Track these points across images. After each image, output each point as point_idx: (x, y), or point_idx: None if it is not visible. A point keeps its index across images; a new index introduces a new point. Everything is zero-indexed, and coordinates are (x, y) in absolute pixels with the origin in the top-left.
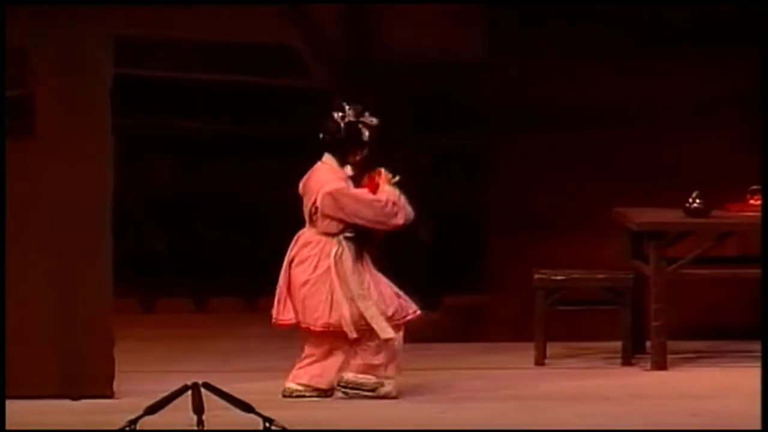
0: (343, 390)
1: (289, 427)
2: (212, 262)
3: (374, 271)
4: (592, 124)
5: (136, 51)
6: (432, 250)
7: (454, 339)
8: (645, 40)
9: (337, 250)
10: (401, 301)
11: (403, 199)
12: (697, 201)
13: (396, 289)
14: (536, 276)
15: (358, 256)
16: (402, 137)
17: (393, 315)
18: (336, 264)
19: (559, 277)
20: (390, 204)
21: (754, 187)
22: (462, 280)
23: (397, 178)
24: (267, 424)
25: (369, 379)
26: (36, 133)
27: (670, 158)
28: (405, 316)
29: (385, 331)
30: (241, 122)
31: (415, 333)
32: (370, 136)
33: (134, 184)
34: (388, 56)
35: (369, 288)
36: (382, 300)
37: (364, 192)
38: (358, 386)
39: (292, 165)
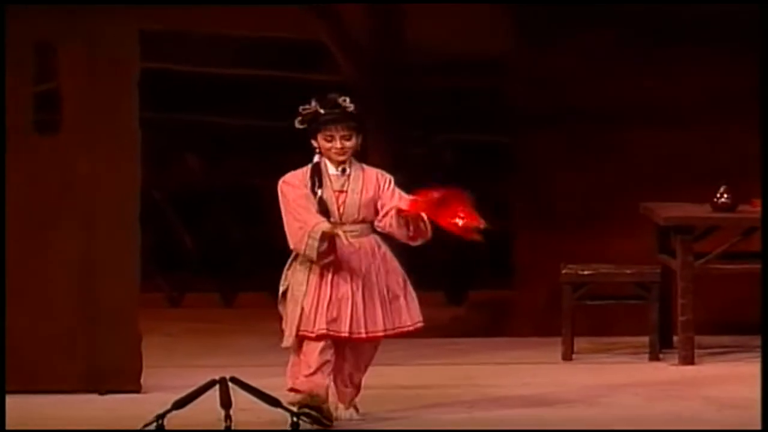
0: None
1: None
2: (240, 258)
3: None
4: (618, 120)
5: (163, 45)
6: (458, 245)
7: (481, 334)
8: (669, 37)
9: None
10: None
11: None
12: (725, 196)
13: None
14: (563, 271)
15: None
16: (426, 133)
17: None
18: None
19: (586, 272)
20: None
21: None
22: (488, 276)
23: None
24: (295, 419)
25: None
26: (63, 128)
27: (697, 154)
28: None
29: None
30: (269, 117)
31: (441, 328)
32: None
33: (162, 178)
34: (415, 52)
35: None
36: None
37: (294, 208)
38: None
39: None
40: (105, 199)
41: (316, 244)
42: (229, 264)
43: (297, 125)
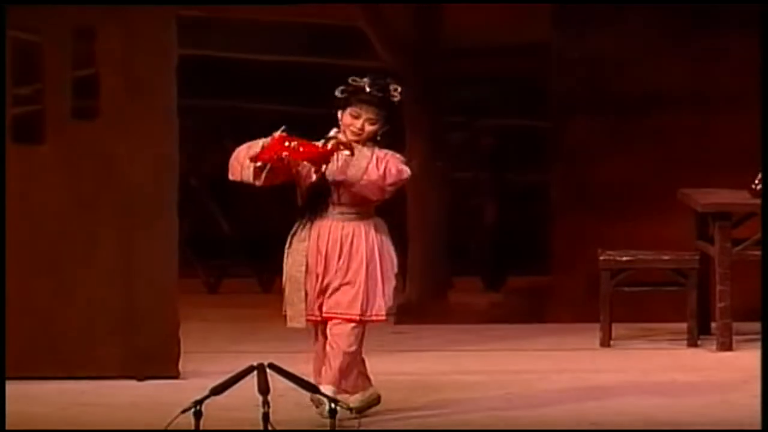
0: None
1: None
2: (278, 243)
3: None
4: (657, 105)
5: (201, 32)
6: (496, 231)
7: (519, 320)
8: (709, 19)
9: None
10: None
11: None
12: (762, 183)
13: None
14: (601, 257)
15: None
16: (465, 119)
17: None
18: None
19: (624, 258)
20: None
21: None
22: (527, 262)
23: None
24: (333, 405)
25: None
26: (101, 114)
27: (736, 140)
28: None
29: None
30: (307, 103)
31: (479, 314)
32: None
33: (200, 165)
34: (453, 37)
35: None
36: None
37: None
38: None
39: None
40: (143, 185)
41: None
42: (266, 250)
43: (337, 93)
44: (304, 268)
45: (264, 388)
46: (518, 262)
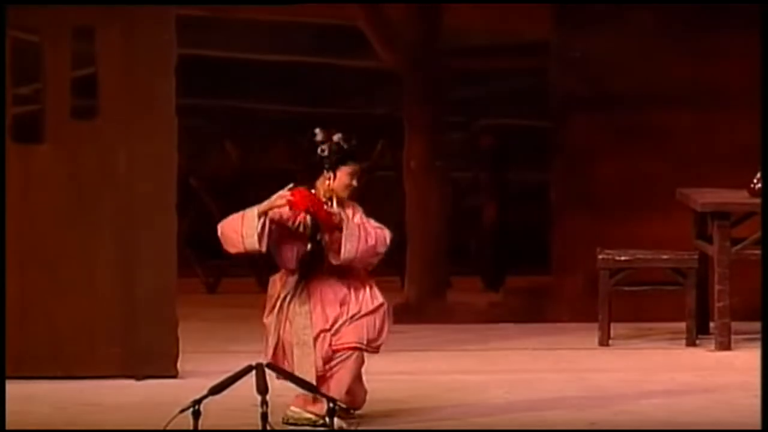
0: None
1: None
2: None
3: None
4: (657, 104)
5: (200, 31)
6: (496, 230)
7: (518, 319)
8: (709, 19)
9: None
10: None
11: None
12: (762, 182)
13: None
14: (600, 256)
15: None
16: (465, 119)
17: None
18: None
19: (623, 258)
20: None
21: None
22: (526, 261)
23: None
24: (331, 405)
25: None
26: (101, 114)
27: (736, 139)
28: None
29: None
30: (307, 103)
31: (479, 313)
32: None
33: (199, 164)
34: (453, 37)
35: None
36: None
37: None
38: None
39: (361, 144)
40: (142, 185)
41: (254, 222)
42: None
43: (320, 152)
44: (309, 331)
45: (262, 388)
46: (517, 262)
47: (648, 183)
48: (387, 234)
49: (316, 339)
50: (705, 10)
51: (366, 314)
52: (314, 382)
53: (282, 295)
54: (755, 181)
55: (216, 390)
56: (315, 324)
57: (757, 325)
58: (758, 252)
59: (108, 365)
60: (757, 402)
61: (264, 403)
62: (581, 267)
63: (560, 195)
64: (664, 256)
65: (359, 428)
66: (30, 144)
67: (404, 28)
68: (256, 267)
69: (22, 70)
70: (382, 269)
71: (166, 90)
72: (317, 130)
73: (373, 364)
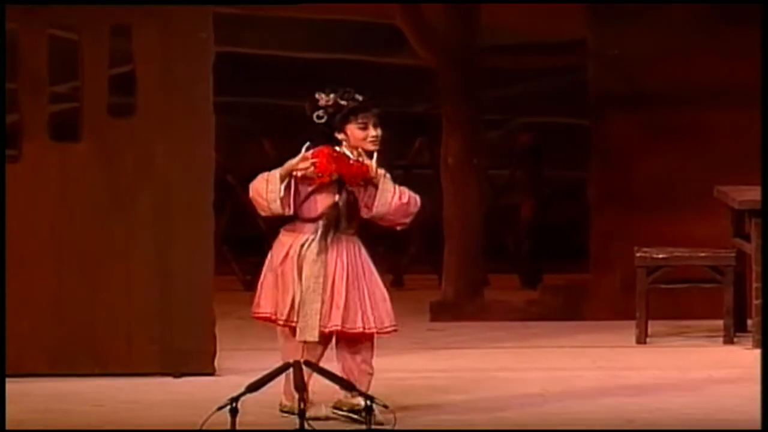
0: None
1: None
2: None
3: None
4: (694, 102)
5: (238, 29)
6: (534, 227)
7: (555, 317)
8: (746, 15)
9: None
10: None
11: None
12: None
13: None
14: (638, 254)
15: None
16: (502, 117)
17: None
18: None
19: (660, 256)
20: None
21: None
22: (563, 258)
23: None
24: (368, 402)
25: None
26: (138, 111)
27: None
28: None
29: None
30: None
31: (516, 311)
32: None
33: (236, 162)
34: (490, 35)
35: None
36: None
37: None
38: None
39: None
40: (179, 182)
41: (277, 186)
42: None
43: (316, 119)
44: (322, 280)
45: (300, 385)
46: (555, 259)
47: (685, 181)
48: (418, 198)
49: (330, 295)
50: (740, 5)
51: (382, 297)
52: (316, 332)
53: (300, 243)
54: None
55: (253, 387)
56: (328, 279)
57: None
58: None
59: (145, 363)
60: None
61: (302, 399)
62: (619, 265)
63: (597, 193)
64: (702, 254)
65: (395, 428)
66: (68, 142)
67: (441, 26)
68: None
69: (59, 68)
70: (420, 267)
71: (203, 88)
72: (317, 95)
73: (408, 362)
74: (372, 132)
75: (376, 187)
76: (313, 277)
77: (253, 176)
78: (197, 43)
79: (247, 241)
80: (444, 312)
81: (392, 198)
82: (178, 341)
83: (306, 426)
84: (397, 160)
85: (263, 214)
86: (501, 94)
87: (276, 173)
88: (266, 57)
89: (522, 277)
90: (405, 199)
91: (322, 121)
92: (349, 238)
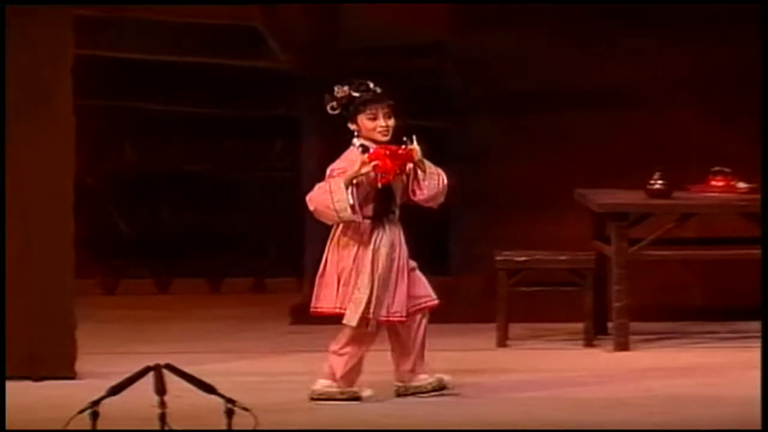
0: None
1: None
2: (175, 244)
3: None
4: (556, 104)
5: (98, 32)
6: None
7: None
8: (606, 18)
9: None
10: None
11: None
12: (659, 182)
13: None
14: (498, 257)
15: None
16: None
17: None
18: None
19: (521, 258)
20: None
21: (716, 168)
22: (425, 262)
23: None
24: (229, 405)
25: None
26: None
27: (635, 139)
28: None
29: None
30: (205, 104)
31: None
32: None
33: (97, 165)
34: (350, 37)
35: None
36: None
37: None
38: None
39: (257, 145)
40: (39, 185)
41: (344, 195)
42: (163, 251)
43: (330, 110)
44: (395, 268)
45: (161, 389)
46: (419, 262)
47: (545, 183)
48: None
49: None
50: (600, 9)
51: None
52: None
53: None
54: (652, 181)
55: (114, 391)
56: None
57: (654, 326)
58: (656, 253)
59: (5, 366)
60: (653, 402)
61: (162, 403)
62: (479, 267)
63: (458, 195)
64: (562, 257)
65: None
66: None
67: (301, 29)
68: (155, 268)
69: None
70: (280, 270)
71: (63, 89)
72: (336, 87)
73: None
74: (381, 122)
75: (420, 170)
76: (387, 268)
77: (113, 179)
78: (57, 45)
79: (108, 244)
80: (305, 315)
81: (438, 179)
82: (39, 344)
83: (166, 428)
84: (258, 163)
85: (330, 223)
86: None
87: (339, 182)
88: (127, 60)
89: None
90: (445, 179)
91: (336, 112)
92: (397, 223)
